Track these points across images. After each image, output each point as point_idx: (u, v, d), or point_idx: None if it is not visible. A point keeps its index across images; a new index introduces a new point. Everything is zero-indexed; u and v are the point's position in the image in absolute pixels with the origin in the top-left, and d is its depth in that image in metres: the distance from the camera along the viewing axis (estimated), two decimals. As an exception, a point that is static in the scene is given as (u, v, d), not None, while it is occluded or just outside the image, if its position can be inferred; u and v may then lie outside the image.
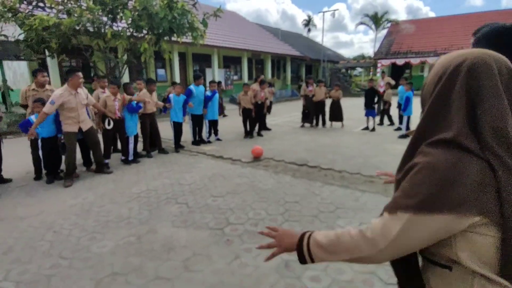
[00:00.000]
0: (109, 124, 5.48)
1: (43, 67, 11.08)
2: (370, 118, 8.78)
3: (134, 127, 5.88)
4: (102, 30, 8.44)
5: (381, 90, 10.02)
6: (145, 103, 6.00)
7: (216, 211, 3.64)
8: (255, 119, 8.11)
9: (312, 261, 0.87)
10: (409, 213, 0.70)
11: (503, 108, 0.68)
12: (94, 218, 3.53)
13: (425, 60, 22.39)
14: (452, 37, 22.51)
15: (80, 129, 4.83)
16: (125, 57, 9.19)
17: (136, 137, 5.96)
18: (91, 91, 6.17)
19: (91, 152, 5.25)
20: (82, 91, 4.92)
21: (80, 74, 4.79)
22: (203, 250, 2.82)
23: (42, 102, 4.69)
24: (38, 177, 4.94)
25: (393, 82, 10.37)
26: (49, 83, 5.40)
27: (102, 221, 3.45)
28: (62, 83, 10.50)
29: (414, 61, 23.04)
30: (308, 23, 45.47)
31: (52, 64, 10.43)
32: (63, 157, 4.87)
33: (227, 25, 19.27)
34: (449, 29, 23.38)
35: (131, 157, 5.82)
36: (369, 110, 8.69)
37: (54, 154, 4.85)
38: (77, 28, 7.70)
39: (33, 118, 4.66)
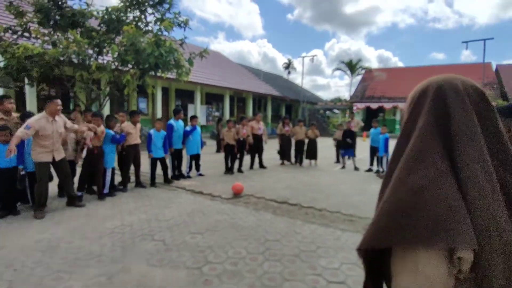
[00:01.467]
0: (81, 151, 5.36)
1: (21, 94, 10.81)
2: (346, 157, 9.05)
3: (112, 159, 5.73)
4: (87, 62, 8.49)
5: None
6: (128, 135, 5.93)
7: (194, 249, 3.49)
8: (237, 155, 8.14)
9: None
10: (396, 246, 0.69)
11: (473, 123, 0.70)
12: (61, 255, 3.27)
13: (397, 105, 23.92)
14: (420, 86, 24.33)
15: (53, 158, 4.65)
16: (107, 89, 9.18)
17: (113, 169, 5.78)
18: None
19: (63, 184, 5.00)
20: (60, 119, 4.81)
21: (59, 101, 4.70)
22: (180, 291, 2.66)
23: (9, 131, 4.50)
24: None
25: (362, 124, 10.40)
26: (25, 110, 5.25)
27: (70, 258, 3.20)
28: (39, 111, 10.23)
29: (387, 105, 24.53)
30: (288, 66, 47.96)
31: (30, 92, 10.21)
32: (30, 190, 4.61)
33: (211, 64, 19.93)
34: (418, 78, 24.95)
35: (106, 190, 5.59)
36: (347, 150, 8.97)
37: (10, 187, 4.48)
38: (62, 59, 7.70)
39: None
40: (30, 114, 4.95)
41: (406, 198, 0.68)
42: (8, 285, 2.70)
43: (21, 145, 4.45)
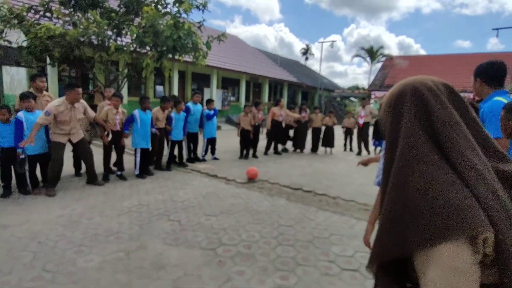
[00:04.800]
0: (107, 135, 5.42)
1: (43, 74, 11.09)
2: (376, 148, 8.86)
3: (143, 140, 5.72)
4: (106, 44, 8.56)
5: (361, 121, 9.12)
6: (157, 121, 6.07)
7: (209, 230, 3.55)
8: (253, 141, 8.14)
9: None
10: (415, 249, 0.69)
11: (453, 114, 0.74)
12: (82, 230, 3.40)
13: (417, 95, 23.10)
14: (443, 75, 23.31)
15: (69, 141, 4.76)
16: (126, 71, 9.27)
17: (144, 150, 5.79)
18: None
19: (85, 163, 5.10)
20: (80, 105, 4.90)
21: (79, 90, 4.74)
22: (194, 270, 2.73)
23: (33, 97, 4.53)
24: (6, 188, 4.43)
25: (375, 112, 9.36)
26: (47, 90, 5.38)
27: (91, 234, 3.33)
28: (60, 91, 10.49)
29: (407, 95, 23.73)
30: (306, 51, 46.93)
31: (52, 72, 10.44)
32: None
33: (228, 48, 19.74)
34: (440, 67, 24.32)
35: (137, 171, 5.71)
36: (381, 141, 8.73)
37: (9, 167, 4.40)
38: (82, 39, 7.80)
39: (20, 115, 4.40)
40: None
41: (413, 199, 0.69)
42: (33, 256, 2.84)
43: (19, 126, 4.32)
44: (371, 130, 9.21)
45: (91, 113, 5.13)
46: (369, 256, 0.82)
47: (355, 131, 9.65)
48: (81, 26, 7.65)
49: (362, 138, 9.20)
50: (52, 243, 3.10)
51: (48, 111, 4.43)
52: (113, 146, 5.54)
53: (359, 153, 9.33)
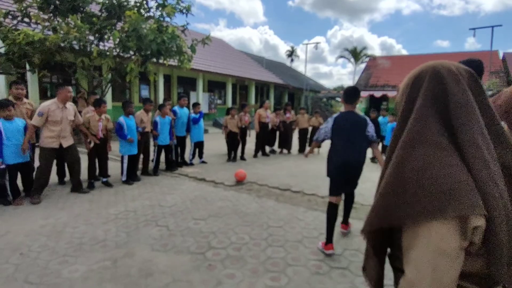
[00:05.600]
0: (89, 143, 5.30)
1: (22, 81, 10.77)
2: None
3: (128, 146, 5.62)
4: (88, 49, 8.40)
5: None
6: (142, 123, 5.96)
7: (197, 234, 3.52)
8: (240, 143, 8.13)
9: None
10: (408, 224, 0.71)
11: (470, 100, 0.74)
12: (66, 240, 3.31)
13: (401, 94, 23.66)
14: (425, 74, 24.05)
15: (60, 145, 4.66)
16: (109, 75, 9.11)
17: (132, 156, 5.69)
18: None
19: (70, 171, 4.98)
20: (71, 107, 4.86)
21: (70, 88, 4.77)
22: (184, 275, 2.69)
23: (12, 104, 4.36)
24: None
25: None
26: (27, 97, 5.23)
27: (75, 243, 3.24)
28: (41, 98, 10.21)
29: (391, 94, 24.24)
30: (291, 53, 47.30)
31: (32, 79, 10.17)
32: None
33: (213, 51, 19.70)
34: (422, 67, 24.94)
35: (124, 178, 5.60)
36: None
37: None
38: (62, 45, 7.62)
39: None
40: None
41: (410, 176, 0.70)
42: (15, 268, 2.74)
43: None
44: None
45: (79, 118, 5.06)
46: (364, 222, 0.85)
47: None
48: (62, 31, 7.48)
49: None
50: (35, 254, 3.00)
51: (41, 111, 4.45)
52: (95, 153, 5.42)
53: None
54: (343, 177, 3.20)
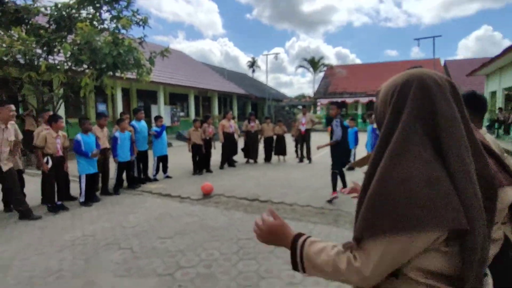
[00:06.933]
0: (47, 162, 4.87)
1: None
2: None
3: (86, 164, 5.29)
4: (36, 62, 7.83)
5: (303, 129, 9.19)
6: (97, 139, 5.58)
7: (164, 254, 3.33)
8: (205, 155, 7.98)
9: (304, 271, 0.85)
10: (388, 235, 0.69)
11: (455, 113, 0.75)
12: (14, 275, 2.96)
13: (358, 100, 24.96)
14: (378, 81, 25.57)
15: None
16: (61, 91, 8.55)
17: (90, 176, 5.33)
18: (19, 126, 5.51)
19: (8, 197, 4.57)
20: (12, 128, 4.45)
21: (12, 106, 4.39)
22: (151, 301, 2.51)
23: None
24: None
25: (316, 120, 9.65)
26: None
27: (25, 277, 2.91)
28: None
29: (349, 100, 25.45)
30: (252, 64, 48.05)
31: (-30, 97, 9.22)
32: None
33: (174, 63, 19.37)
34: (375, 74, 26.62)
35: (82, 199, 5.22)
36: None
37: None
38: (5, 59, 7.03)
39: None
40: None
41: (393, 189, 0.70)
42: (-51, 314, 2.38)
43: None
44: (313, 136, 9.59)
45: (19, 136, 4.65)
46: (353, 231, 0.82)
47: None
48: (4, 44, 6.90)
49: (306, 144, 9.38)
50: (-24, 294, 2.64)
51: None
52: (54, 173, 5.00)
53: (301, 160, 9.53)
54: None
